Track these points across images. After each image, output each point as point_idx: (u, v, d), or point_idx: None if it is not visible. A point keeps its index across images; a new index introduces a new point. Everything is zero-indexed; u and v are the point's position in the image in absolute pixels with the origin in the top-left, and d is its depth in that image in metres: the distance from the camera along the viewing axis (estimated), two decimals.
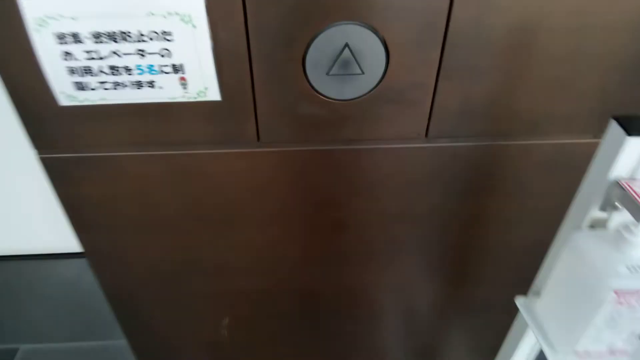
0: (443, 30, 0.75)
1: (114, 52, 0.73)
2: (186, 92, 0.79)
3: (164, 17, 0.70)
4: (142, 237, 1.04)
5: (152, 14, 0.69)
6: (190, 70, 0.76)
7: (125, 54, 0.73)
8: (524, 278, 0.85)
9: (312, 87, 0.81)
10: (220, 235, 1.04)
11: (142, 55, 0.73)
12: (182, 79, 0.77)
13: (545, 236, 1.13)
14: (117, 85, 0.77)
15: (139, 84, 0.77)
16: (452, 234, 1.07)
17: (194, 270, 1.11)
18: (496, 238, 1.09)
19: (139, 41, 0.72)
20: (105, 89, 0.77)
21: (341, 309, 1.25)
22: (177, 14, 0.70)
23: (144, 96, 0.79)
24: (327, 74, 0.79)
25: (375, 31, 0.75)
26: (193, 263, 1.10)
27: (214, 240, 1.05)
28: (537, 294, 0.78)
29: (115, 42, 0.72)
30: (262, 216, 1.01)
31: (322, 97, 0.82)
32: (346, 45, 0.76)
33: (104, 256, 1.07)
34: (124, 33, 0.71)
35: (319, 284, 1.18)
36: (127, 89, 0.78)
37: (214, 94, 0.80)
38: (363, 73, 0.79)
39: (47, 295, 1.54)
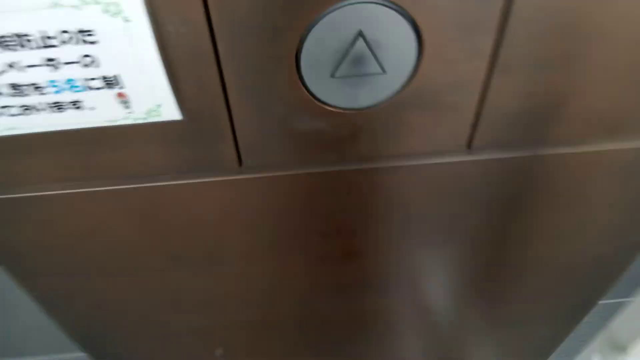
0: (503, 7, 0.50)
1: (10, 65, 0.48)
2: (130, 113, 0.55)
3: (76, 7, 0.44)
4: (106, 279, 0.83)
5: (57, 4, 0.44)
6: (130, 83, 0.52)
7: (28, 66, 0.48)
8: (569, 291, 0.78)
9: (311, 93, 0.56)
10: (204, 271, 0.83)
11: (54, 67, 0.49)
12: (121, 95, 0.53)
13: (605, 250, 0.92)
14: (26, 109, 0.53)
15: (58, 106, 0.53)
16: (492, 253, 0.86)
17: (172, 308, 0.91)
18: (545, 254, 0.88)
19: (44, 46, 0.47)
20: (12, 115, 0.53)
21: (354, 334, 1.06)
22: (96, 1, 0.44)
23: (70, 121, 0.55)
24: (332, 75, 0.55)
25: (403, 11, 0.50)
26: (171, 302, 0.90)
27: (195, 277, 0.84)
28: (622, 349, 0.58)
29: (10, 49, 0.47)
30: (254, 249, 0.79)
31: (325, 106, 0.58)
32: (360, 34, 0.51)
33: (62, 302, 0.87)
34: (20, 36, 0.46)
35: (329, 311, 0.98)
36: (44, 114, 0.53)
37: (171, 112, 0.56)
38: (384, 72, 0.55)
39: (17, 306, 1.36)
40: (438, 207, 0.74)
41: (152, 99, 0.54)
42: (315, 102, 0.57)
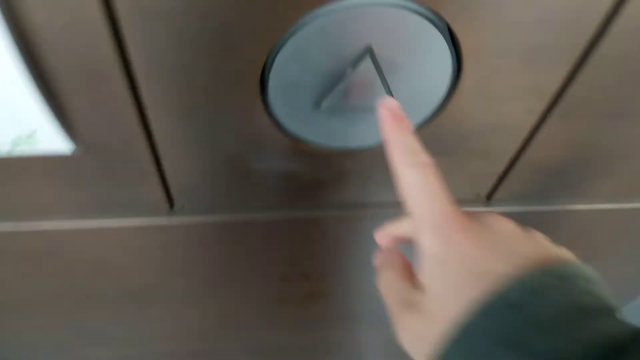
0: (589, 39, 0.32)
1: None
2: None
3: None
4: (16, 314, 0.63)
5: None
6: None
7: None
8: None
9: (280, 126, 0.37)
10: (130, 312, 0.64)
11: None
12: None
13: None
14: None
15: None
16: None
17: (90, 344, 0.73)
18: None
19: None
20: None
21: None
22: None
23: None
24: (317, 105, 0.35)
25: (440, 23, 0.30)
26: (88, 337, 0.71)
27: (117, 316, 0.66)
28: None
29: None
30: (195, 292, 0.61)
31: (301, 144, 0.39)
32: (368, 51, 0.31)
33: None
34: None
35: (284, 344, 0.83)
36: None
37: (53, 143, 0.35)
38: None
39: None
40: None
41: (20, 125, 0.32)
42: (286, 137, 0.38)
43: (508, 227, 0.25)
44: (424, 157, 0.27)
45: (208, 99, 0.34)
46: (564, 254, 0.25)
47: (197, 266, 0.55)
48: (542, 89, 0.36)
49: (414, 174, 0.26)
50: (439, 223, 0.24)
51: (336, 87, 0.34)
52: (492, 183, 0.47)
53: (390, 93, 0.35)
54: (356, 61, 0.32)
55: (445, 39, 0.31)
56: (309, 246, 0.54)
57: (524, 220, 0.54)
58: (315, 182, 0.44)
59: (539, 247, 0.25)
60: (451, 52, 0.32)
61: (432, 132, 0.39)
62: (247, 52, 0.31)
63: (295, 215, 0.48)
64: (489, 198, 0.49)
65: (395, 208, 0.48)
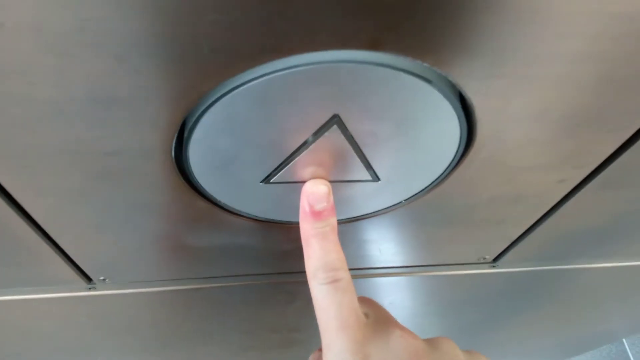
0: None
1: None
2: None
3: None
4: None
5: None
6: None
7: None
8: None
9: (221, 206, 0.27)
10: None
11: None
12: None
13: None
14: None
15: None
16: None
17: None
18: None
19: None
20: None
21: None
22: None
23: None
24: (266, 181, 0.25)
25: (436, 78, 0.20)
26: None
27: None
28: None
29: None
30: (147, 346, 0.52)
31: (244, 219, 0.28)
32: (335, 121, 0.21)
33: None
34: None
35: None
36: None
37: None
38: (377, 180, 0.26)
39: None
40: (426, 318, 0.49)
41: None
42: (230, 215, 0.28)
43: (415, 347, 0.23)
44: (339, 272, 0.24)
45: (100, 182, 0.23)
46: None
47: (138, 327, 0.45)
48: (583, 159, 0.26)
49: (323, 294, 0.24)
50: (344, 356, 0.23)
51: (292, 159, 0.23)
52: (501, 248, 0.37)
53: (370, 169, 0.25)
54: (320, 130, 0.21)
55: (450, 102, 0.21)
56: (271, 308, 0.44)
57: (533, 277, 0.45)
58: (274, 252, 0.34)
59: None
60: (460, 120, 0.22)
61: (431, 201, 0.28)
62: (156, 125, 0.20)
63: (254, 282, 0.38)
64: (495, 261, 0.39)
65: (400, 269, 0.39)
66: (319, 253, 0.24)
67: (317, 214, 0.24)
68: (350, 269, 0.38)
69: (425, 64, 0.19)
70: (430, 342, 0.24)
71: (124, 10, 0.15)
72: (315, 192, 0.24)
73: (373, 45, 0.17)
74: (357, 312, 0.24)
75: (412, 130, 0.22)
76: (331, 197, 0.24)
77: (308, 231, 0.24)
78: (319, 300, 0.24)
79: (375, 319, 0.25)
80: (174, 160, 0.22)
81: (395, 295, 0.45)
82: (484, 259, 0.39)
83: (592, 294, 0.48)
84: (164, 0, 0.15)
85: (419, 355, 0.23)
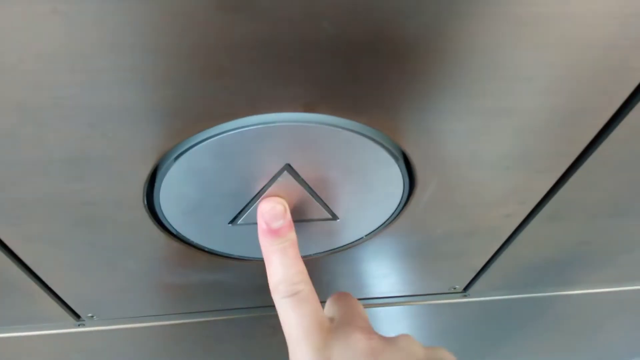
0: (588, 142, 0.24)
1: None
2: None
3: None
4: None
5: None
6: None
7: None
8: None
9: (194, 246, 0.29)
10: None
11: None
12: None
13: None
14: None
15: None
16: None
17: None
18: None
19: None
20: None
21: None
22: None
23: None
24: (233, 222, 0.27)
25: (369, 132, 0.22)
26: None
27: None
28: None
29: None
30: None
31: (218, 257, 0.31)
32: (286, 167, 0.24)
33: None
34: None
35: None
36: None
37: None
38: (336, 218, 0.28)
39: None
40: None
41: None
42: (204, 253, 0.30)
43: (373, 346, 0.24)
44: (299, 285, 0.25)
45: (81, 228, 0.26)
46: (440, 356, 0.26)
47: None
48: (524, 195, 0.28)
49: (285, 306, 0.25)
50: None
51: (253, 203, 0.26)
52: (469, 277, 0.39)
53: (326, 208, 0.27)
54: (274, 177, 0.24)
55: (390, 154, 0.23)
56: (255, 340, 0.46)
57: (506, 306, 0.47)
58: (252, 287, 0.36)
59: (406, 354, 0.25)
60: (400, 167, 0.24)
61: (391, 235, 0.31)
62: (127, 179, 0.23)
63: (236, 316, 0.40)
64: (465, 290, 0.41)
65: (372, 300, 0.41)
66: (279, 269, 0.25)
67: (275, 232, 0.25)
68: (323, 302, 0.40)
69: (359, 122, 0.21)
70: (389, 340, 0.25)
71: (92, 88, 0.18)
72: (270, 212, 0.25)
73: (308, 108, 0.20)
74: (320, 319, 0.25)
75: (358, 176, 0.25)
76: (288, 214, 0.25)
77: (267, 248, 0.25)
78: (281, 313, 0.25)
79: (339, 322, 0.26)
80: (146, 207, 0.25)
81: (375, 327, 0.46)
82: (455, 288, 0.41)
83: (566, 322, 0.49)
84: (127, 77, 0.18)
85: (375, 354, 0.24)
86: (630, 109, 0.23)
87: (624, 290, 0.45)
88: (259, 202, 0.25)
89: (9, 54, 0.16)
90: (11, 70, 0.17)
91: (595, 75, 0.21)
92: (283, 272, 0.25)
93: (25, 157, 0.21)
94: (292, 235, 0.26)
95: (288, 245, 0.26)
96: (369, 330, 0.25)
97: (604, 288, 0.45)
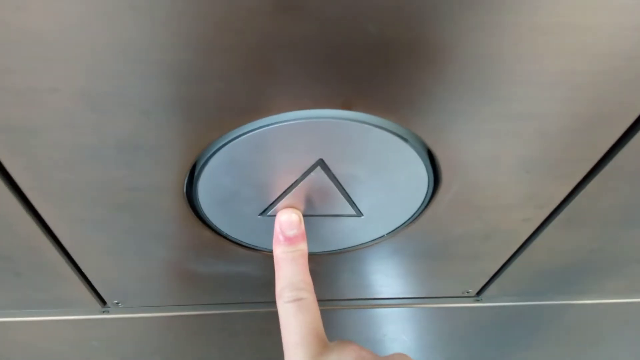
0: (611, 142, 0.25)
1: None
2: None
3: None
4: None
5: None
6: None
7: None
8: None
9: (224, 236, 0.31)
10: None
11: None
12: None
13: None
14: None
15: None
16: None
17: None
18: None
19: None
20: None
21: None
22: None
23: None
24: (264, 214, 0.29)
25: (406, 133, 0.24)
26: None
27: None
28: None
29: None
30: None
31: (252, 249, 0.32)
32: (319, 163, 0.25)
33: None
34: None
35: None
36: None
37: None
38: (361, 215, 0.29)
39: None
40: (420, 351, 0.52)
41: None
42: (232, 244, 0.31)
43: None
44: (303, 292, 0.26)
45: (122, 213, 0.27)
46: None
47: (145, 352, 0.48)
48: (542, 200, 0.29)
49: (286, 311, 0.25)
50: None
51: (284, 196, 0.27)
52: (483, 281, 0.40)
53: (352, 204, 0.28)
54: (307, 172, 0.25)
55: (418, 153, 0.25)
56: (271, 337, 0.47)
57: (517, 312, 0.48)
58: (273, 282, 0.37)
59: None
60: (426, 166, 0.26)
61: (410, 235, 0.32)
62: (172, 167, 0.24)
63: (255, 310, 0.42)
64: (478, 294, 0.42)
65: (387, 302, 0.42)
66: (286, 274, 0.26)
67: (288, 240, 0.27)
68: (341, 300, 0.41)
69: (392, 121, 0.23)
70: (385, 357, 0.25)
71: (150, 78, 0.20)
72: (286, 220, 0.27)
73: (346, 105, 0.21)
74: (318, 330, 0.25)
75: (386, 173, 0.26)
76: (302, 225, 0.27)
77: (279, 255, 0.27)
78: (282, 318, 0.26)
79: (338, 342, 0.26)
80: (185, 195, 0.27)
81: (388, 327, 0.47)
82: (468, 292, 0.42)
83: (576, 332, 0.50)
84: (180, 70, 0.20)
85: None
86: None
87: (635, 302, 0.46)
88: (278, 212, 0.27)
89: (82, 44, 0.18)
90: (81, 60, 0.19)
91: (615, 84, 0.22)
92: (289, 277, 0.26)
93: (81, 142, 0.22)
94: (304, 246, 0.27)
95: (298, 255, 0.27)
96: (368, 350, 0.25)
97: (614, 299, 0.45)
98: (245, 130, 0.23)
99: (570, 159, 0.26)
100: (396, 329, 0.46)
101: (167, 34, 0.18)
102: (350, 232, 0.32)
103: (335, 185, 0.27)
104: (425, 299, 0.42)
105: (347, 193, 0.27)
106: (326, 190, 0.27)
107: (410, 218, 0.30)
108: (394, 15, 0.18)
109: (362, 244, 0.33)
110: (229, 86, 0.20)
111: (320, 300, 0.40)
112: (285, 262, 0.27)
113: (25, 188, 0.25)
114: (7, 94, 0.20)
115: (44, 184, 0.25)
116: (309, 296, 0.26)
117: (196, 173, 0.25)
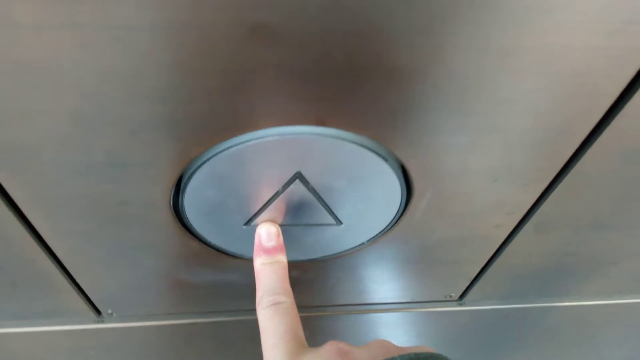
0: (573, 150, 0.27)
1: None
2: None
3: None
4: None
5: None
6: None
7: None
8: None
9: (211, 246, 0.32)
10: None
11: None
12: None
13: None
14: None
15: None
16: None
17: None
18: None
19: None
20: None
21: None
22: None
23: None
24: (248, 224, 0.30)
25: (373, 145, 0.25)
26: None
27: None
28: None
29: None
30: None
31: (232, 257, 0.34)
32: (297, 175, 0.27)
33: None
34: None
35: None
36: None
37: None
38: (340, 223, 0.31)
39: None
40: None
41: None
42: (219, 254, 0.33)
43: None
44: (281, 297, 0.26)
45: (112, 225, 0.29)
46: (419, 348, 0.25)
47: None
48: (511, 207, 0.31)
49: (265, 316, 0.26)
50: None
51: (267, 207, 0.29)
52: (464, 285, 0.41)
53: (331, 213, 0.30)
54: (286, 183, 0.27)
55: (390, 165, 0.26)
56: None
57: (501, 316, 0.49)
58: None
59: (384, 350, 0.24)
60: (398, 177, 0.27)
61: (390, 242, 0.33)
62: (158, 181, 0.26)
63: (245, 318, 0.43)
64: (461, 298, 0.44)
65: (369, 307, 0.43)
66: (265, 282, 0.27)
67: (267, 251, 0.28)
68: (328, 306, 0.42)
69: (363, 136, 0.24)
70: (365, 346, 0.25)
71: (135, 100, 0.21)
72: (265, 232, 0.28)
73: (319, 122, 0.23)
74: (296, 332, 0.25)
75: (361, 184, 0.28)
76: (280, 238, 0.28)
77: (258, 266, 0.27)
78: (260, 322, 0.26)
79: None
80: (172, 208, 0.28)
81: (374, 333, 0.49)
82: (451, 296, 0.43)
83: (559, 333, 0.51)
84: (164, 92, 0.21)
85: (345, 352, 0.24)
86: (603, 130, 0.25)
87: (615, 304, 0.47)
88: (258, 226, 0.29)
89: (70, 71, 0.20)
90: (70, 84, 0.20)
91: (570, 99, 0.24)
92: (268, 284, 0.27)
93: (71, 159, 0.24)
94: (283, 257, 0.28)
95: (278, 267, 0.27)
96: (343, 342, 0.25)
97: (594, 301, 0.47)
98: (227, 146, 0.24)
99: (535, 168, 0.28)
100: (383, 333, 0.48)
101: (150, 61, 0.20)
102: (332, 240, 0.33)
103: (314, 196, 0.28)
104: (410, 304, 0.44)
105: (325, 203, 0.29)
106: (306, 200, 0.29)
107: (388, 226, 0.32)
108: (358, 42, 0.20)
109: (344, 251, 0.34)
110: (210, 106, 0.22)
111: (307, 307, 0.42)
112: (264, 273, 0.27)
113: (21, 202, 0.26)
114: (3, 116, 0.21)
115: (38, 198, 0.26)
116: (287, 300, 0.26)
117: (182, 187, 0.27)
